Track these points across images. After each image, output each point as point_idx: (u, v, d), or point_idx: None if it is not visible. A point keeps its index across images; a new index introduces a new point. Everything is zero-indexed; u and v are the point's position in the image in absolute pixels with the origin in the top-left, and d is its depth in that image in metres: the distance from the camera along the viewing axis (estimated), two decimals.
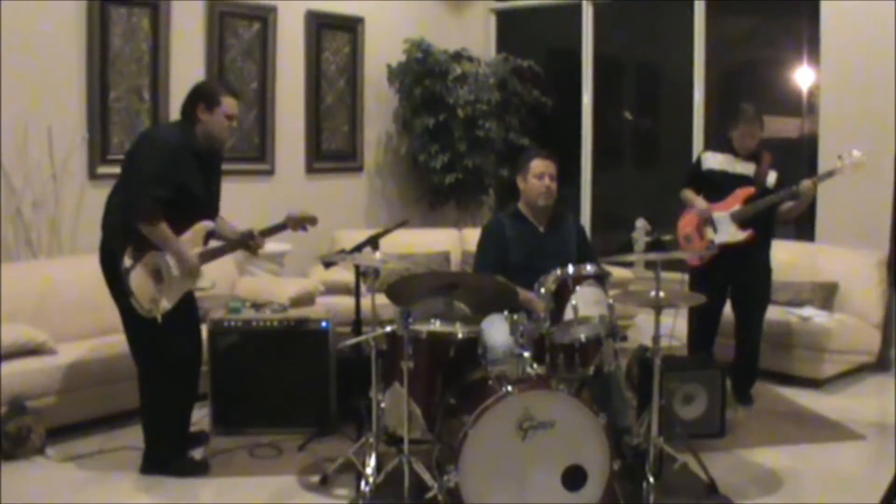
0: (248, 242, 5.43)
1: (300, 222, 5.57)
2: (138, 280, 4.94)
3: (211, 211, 5.30)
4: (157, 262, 4.99)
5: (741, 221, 6.21)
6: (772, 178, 6.22)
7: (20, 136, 6.69)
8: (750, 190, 6.21)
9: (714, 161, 6.45)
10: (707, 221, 6.35)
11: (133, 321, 5.11)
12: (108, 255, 5.07)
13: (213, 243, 5.35)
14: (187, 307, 5.27)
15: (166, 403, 5.21)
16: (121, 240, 4.95)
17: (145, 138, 5.15)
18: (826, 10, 7.98)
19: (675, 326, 6.20)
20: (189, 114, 5.13)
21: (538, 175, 5.54)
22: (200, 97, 5.12)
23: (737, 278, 6.34)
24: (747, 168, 6.29)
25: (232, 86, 5.37)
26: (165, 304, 5.04)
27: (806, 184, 6.00)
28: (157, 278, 5.01)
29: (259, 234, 5.43)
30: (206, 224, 5.19)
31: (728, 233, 6.25)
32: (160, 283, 5.02)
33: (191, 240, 5.09)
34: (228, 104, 5.14)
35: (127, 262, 4.91)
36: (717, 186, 6.37)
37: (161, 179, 4.86)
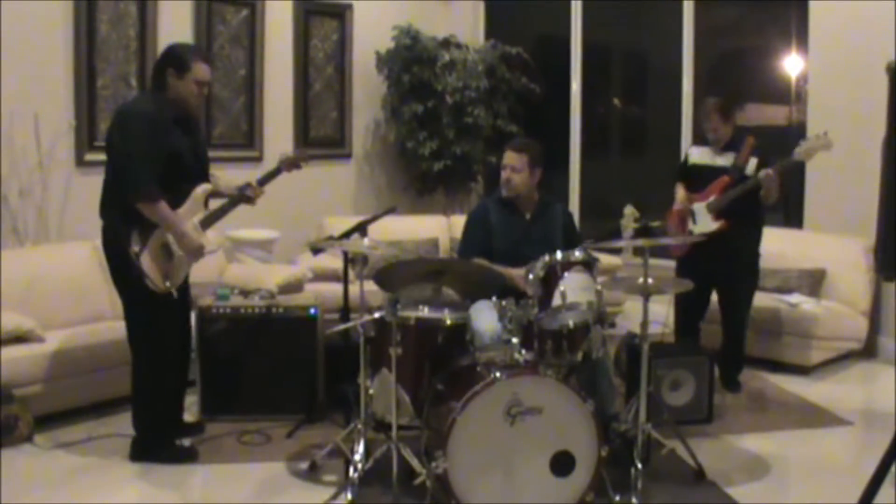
0: (247, 194, 5.41)
1: (293, 162, 5.58)
2: (149, 261, 4.93)
3: (203, 174, 5.28)
4: (164, 238, 4.98)
5: (716, 211, 6.25)
6: (752, 164, 6.23)
7: (6, 123, 6.65)
8: (725, 179, 6.25)
9: (697, 155, 6.56)
10: (688, 213, 6.42)
11: (134, 305, 5.12)
12: (111, 240, 5.06)
13: (213, 202, 5.35)
14: (182, 292, 5.27)
15: (160, 390, 5.21)
16: (124, 225, 4.91)
17: (121, 116, 5.04)
18: None
19: (668, 314, 6.25)
20: (159, 80, 5.07)
21: (503, 166, 5.61)
22: (170, 62, 5.04)
23: (722, 267, 6.34)
24: (727, 159, 6.34)
25: (202, 49, 5.31)
26: (178, 278, 5.08)
27: (766, 172, 6.03)
28: (166, 254, 5.00)
29: (257, 183, 5.43)
30: (204, 188, 5.17)
31: (703, 223, 6.31)
32: (170, 259, 5.02)
33: (191, 208, 5.09)
34: (199, 70, 5.05)
35: (136, 246, 4.89)
36: (700, 179, 6.44)
37: (150, 155, 4.83)
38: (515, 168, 5.54)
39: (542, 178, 5.67)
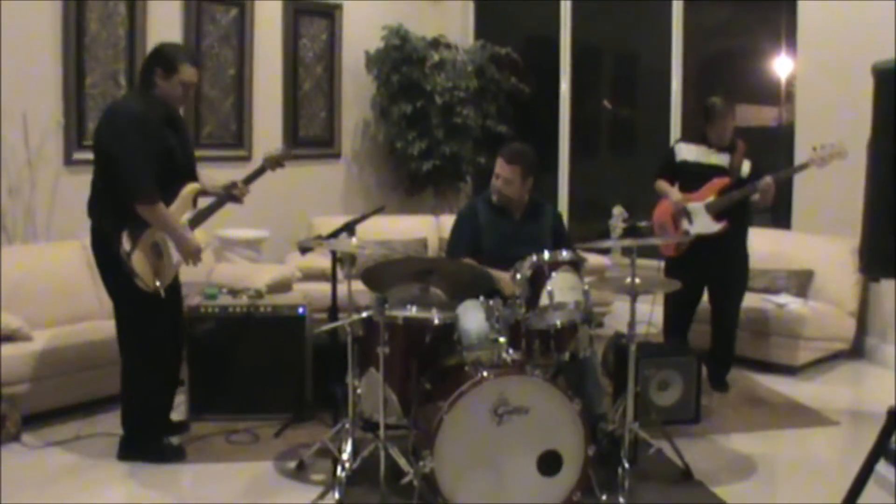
0: (233, 193, 5.43)
1: (277, 160, 5.60)
2: (140, 260, 4.93)
3: (191, 172, 5.29)
4: (154, 238, 4.98)
5: (716, 213, 6.24)
6: (746, 167, 6.24)
7: None
8: (725, 181, 6.24)
9: (688, 152, 6.48)
10: (682, 212, 6.37)
11: (124, 305, 5.12)
12: (100, 239, 5.04)
13: (200, 201, 5.36)
14: (173, 291, 5.28)
15: (149, 389, 5.21)
16: (114, 224, 4.90)
17: (111, 115, 5.03)
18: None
19: (653, 313, 6.25)
20: (147, 79, 5.06)
21: (496, 174, 5.58)
22: (158, 62, 5.03)
23: (713, 267, 6.36)
24: (722, 159, 6.31)
25: (192, 51, 5.30)
26: (167, 278, 5.07)
27: (765, 180, 6.04)
28: (156, 253, 5.00)
29: (242, 182, 5.44)
30: (193, 186, 5.19)
31: (703, 224, 6.28)
32: (160, 258, 5.02)
33: (181, 207, 5.11)
34: (186, 72, 5.04)
35: (126, 245, 4.88)
36: (691, 177, 6.40)
37: (145, 155, 4.83)
38: (508, 180, 5.51)
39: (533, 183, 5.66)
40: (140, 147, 4.82)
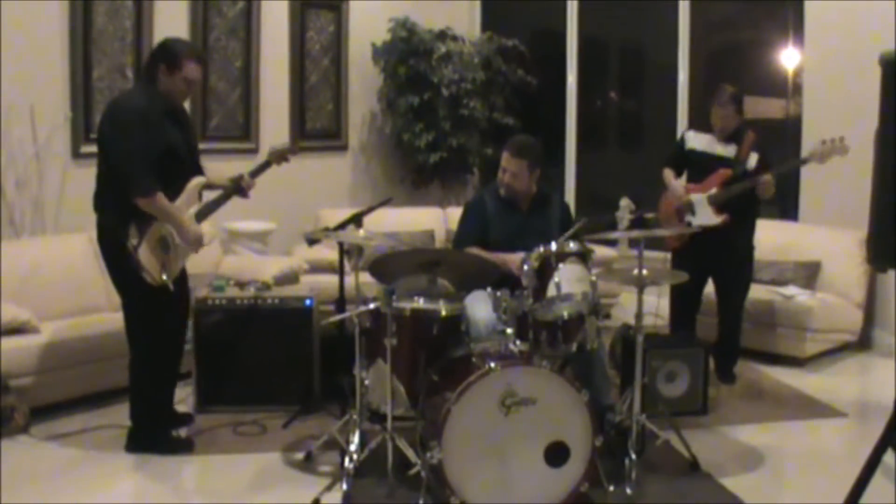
0: (239, 186, 5.41)
1: (282, 155, 5.57)
2: (147, 254, 4.92)
3: (196, 166, 5.28)
4: (161, 231, 4.97)
5: (717, 205, 6.23)
6: (753, 159, 6.21)
7: (3, 114, 6.64)
8: (728, 172, 6.22)
9: (696, 141, 6.47)
10: (686, 204, 6.37)
11: (132, 298, 5.12)
12: (107, 233, 5.04)
13: (206, 195, 5.35)
14: (181, 283, 5.28)
15: (157, 382, 5.23)
16: (121, 218, 4.89)
17: (113, 110, 5.01)
18: None
19: (659, 305, 6.25)
20: (150, 73, 5.05)
21: (502, 168, 5.61)
22: (162, 57, 5.02)
23: (718, 259, 6.35)
24: (728, 150, 6.29)
25: (197, 48, 5.29)
26: (175, 270, 5.07)
27: (765, 177, 6.02)
28: (163, 247, 4.99)
29: (248, 175, 5.43)
30: (199, 180, 5.19)
31: (705, 216, 6.27)
32: (167, 252, 5.01)
33: (186, 201, 5.10)
34: (190, 69, 5.03)
35: (133, 239, 4.87)
36: (698, 167, 6.40)
37: (145, 149, 4.82)
38: (515, 174, 5.53)
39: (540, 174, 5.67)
40: (139, 142, 4.81)
